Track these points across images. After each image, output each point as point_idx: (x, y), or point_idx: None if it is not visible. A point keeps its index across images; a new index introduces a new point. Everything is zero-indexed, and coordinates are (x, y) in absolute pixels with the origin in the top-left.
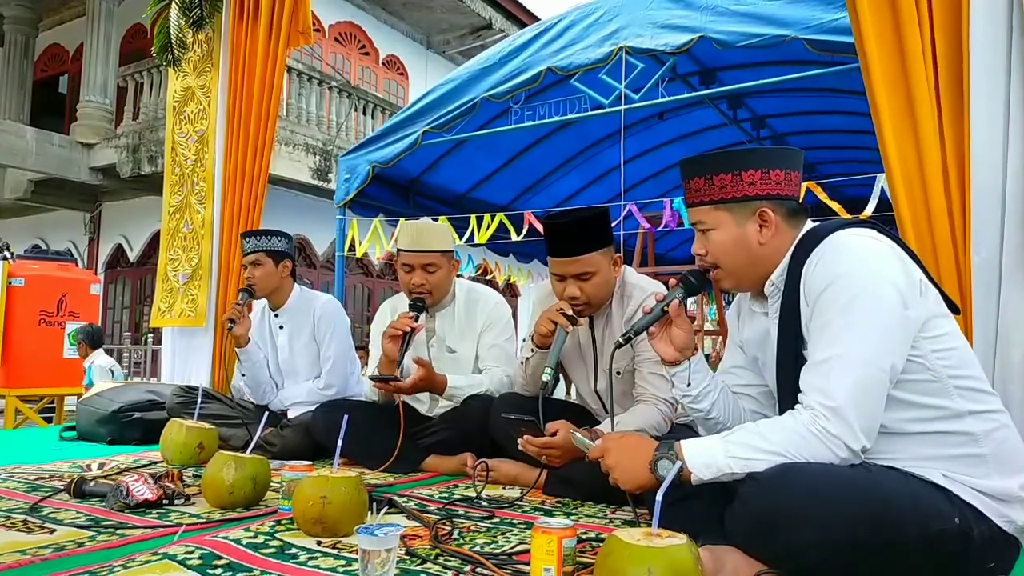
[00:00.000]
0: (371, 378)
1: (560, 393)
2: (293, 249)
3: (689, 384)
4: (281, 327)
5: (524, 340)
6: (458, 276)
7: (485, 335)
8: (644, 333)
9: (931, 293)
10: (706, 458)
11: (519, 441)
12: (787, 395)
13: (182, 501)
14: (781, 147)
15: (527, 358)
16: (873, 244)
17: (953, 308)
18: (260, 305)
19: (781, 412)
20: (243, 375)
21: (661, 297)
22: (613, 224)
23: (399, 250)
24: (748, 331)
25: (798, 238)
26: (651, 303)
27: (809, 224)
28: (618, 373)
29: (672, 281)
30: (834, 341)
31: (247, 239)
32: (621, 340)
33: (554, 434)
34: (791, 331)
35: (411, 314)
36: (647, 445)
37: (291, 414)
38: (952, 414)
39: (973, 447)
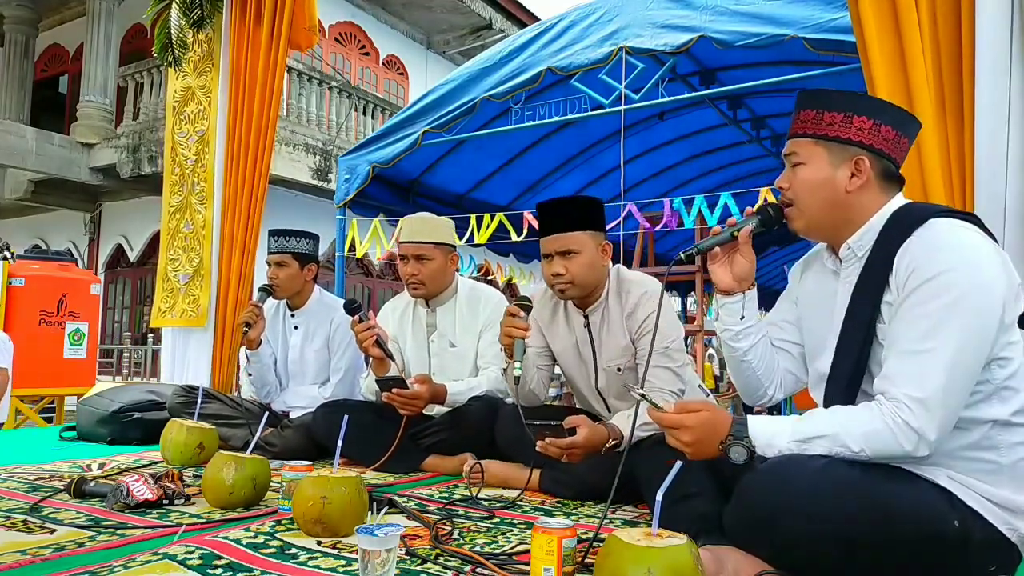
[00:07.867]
0: (377, 382)
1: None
2: (318, 251)
3: (743, 317)
4: (296, 327)
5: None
6: (459, 276)
7: (486, 333)
8: (653, 331)
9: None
10: (769, 438)
11: (539, 444)
12: (844, 359)
13: (182, 501)
14: (904, 110)
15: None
16: (980, 241)
17: None
18: (275, 301)
19: (832, 372)
20: (250, 374)
21: (733, 222)
22: (613, 223)
23: (399, 243)
24: (812, 283)
25: (890, 210)
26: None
27: (902, 199)
28: (619, 370)
29: (748, 210)
30: (933, 334)
31: (274, 237)
32: (693, 252)
33: (573, 432)
34: (867, 303)
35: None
36: (723, 423)
37: (292, 415)
38: (979, 421)
39: (992, 454)
